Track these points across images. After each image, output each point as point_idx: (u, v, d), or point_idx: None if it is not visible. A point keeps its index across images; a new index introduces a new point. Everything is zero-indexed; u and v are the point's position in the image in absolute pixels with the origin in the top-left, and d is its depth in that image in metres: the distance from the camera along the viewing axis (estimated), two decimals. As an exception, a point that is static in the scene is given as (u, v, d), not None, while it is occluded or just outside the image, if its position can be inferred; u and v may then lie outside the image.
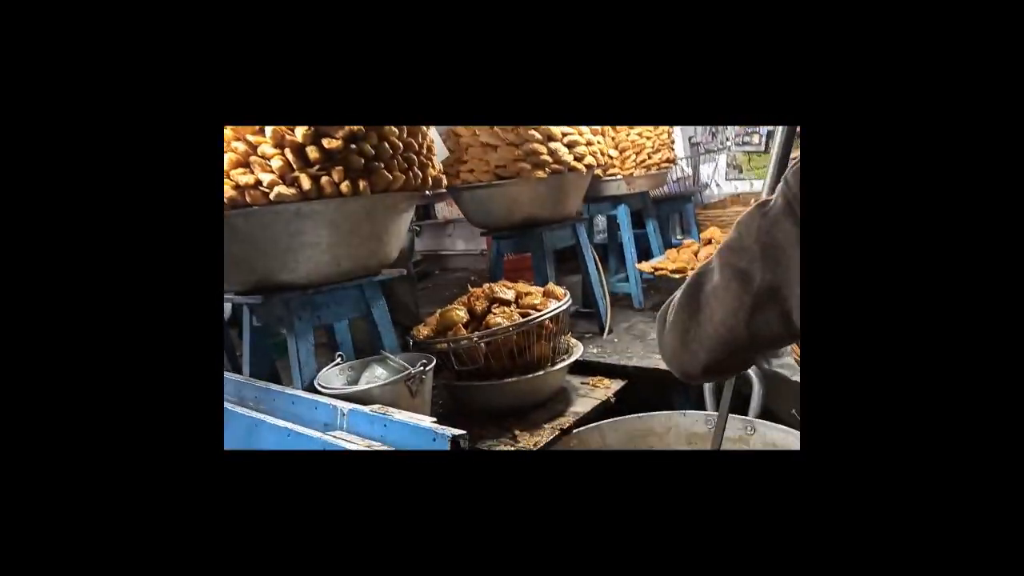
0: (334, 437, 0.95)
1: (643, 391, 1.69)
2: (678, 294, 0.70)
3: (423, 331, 1.59)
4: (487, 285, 1.63)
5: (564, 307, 1.53)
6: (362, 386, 1.17)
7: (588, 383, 1.68)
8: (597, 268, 2.25)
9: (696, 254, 2.28)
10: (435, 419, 0.95)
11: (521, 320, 1.46)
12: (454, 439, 0.86)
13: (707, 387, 1.43)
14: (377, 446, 0.92)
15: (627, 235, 2.55)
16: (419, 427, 0.92)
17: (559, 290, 1.64)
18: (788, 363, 1.47)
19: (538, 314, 1.47)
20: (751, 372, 1.37)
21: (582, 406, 1.53)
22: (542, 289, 1.66)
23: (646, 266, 2.36)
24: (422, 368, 1.19)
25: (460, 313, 1.53)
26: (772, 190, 0.76)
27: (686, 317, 0.66)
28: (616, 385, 1.64)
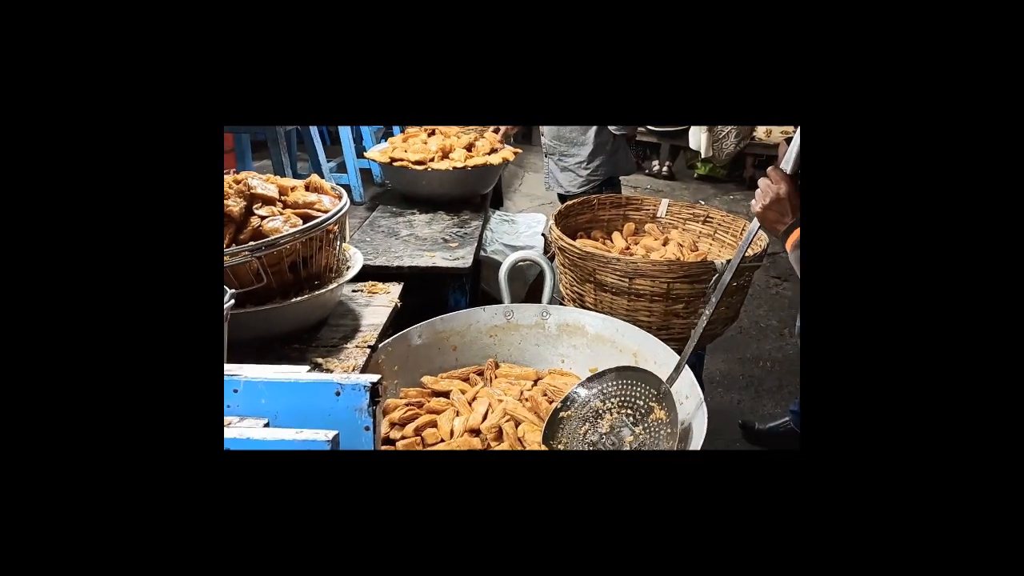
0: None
1: (420, 290, 1.61)
2: None
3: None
4: (231, 178, 1.22)
5: (347, 207, 1.28)
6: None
7: (361, 290, 1.49)
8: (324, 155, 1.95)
9: (426, 141, 2.20)
10: (309, 367, 0.70)
11: (305, 225, 1.16)
12: (373, 387, 0.66)
13: (502, 278, 1.46)
14: (236, 423, 0.63)
15: (341, 117, 2.25)
16: (301, 384, 0.66)
17: (326, 184, 1.36)
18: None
19: (325, 216, 1.19)
20: (542, 262, 1.45)
21: (373, 317, 1.36)
22: (301, 183, 1.34)
23: (379, 155, 2.16)
24: (232, 302, 0.83)
25: (207, 218, 1.11)
26: None
27: None
28: (394, 288, 1.51)
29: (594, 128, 2.23)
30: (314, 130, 2.21)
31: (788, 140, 1.09)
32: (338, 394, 0.66)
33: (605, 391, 1.17)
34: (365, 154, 2.20)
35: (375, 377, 0.67)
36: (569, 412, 1.16)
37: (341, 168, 2.42)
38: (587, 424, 1.14)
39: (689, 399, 1.10)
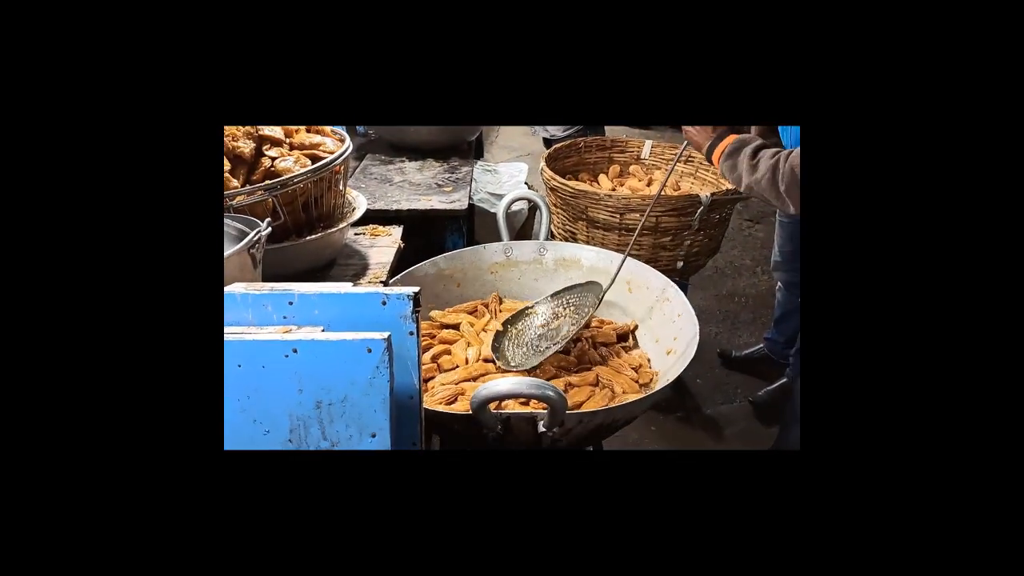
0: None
1: (418, 235, 1.67)
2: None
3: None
4: (235, 122, 1.25)
5: (351, 148, 1.33)
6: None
7: (364, 233, 1.55)
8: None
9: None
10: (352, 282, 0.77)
11: (315, 165, 1.20)
12: (415, 296, 0.73)
13: (500, 216, 1.52)
14: (296, 331, 0.71)
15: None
16: (350, 295, 0.73)
17: (326, 127, 1.39)
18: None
19: (334, 156, 1.24)
20: (538, 200, 1.52)
21: (380, 256, 1.42)
22: (302, 126, 1.37)
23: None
24: (269, 229, 0.89)
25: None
26: None
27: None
28: (395, 231, 1.57)
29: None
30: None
31: None
32: (384, 303, 0.73)
33: (567, 300, 1.36)
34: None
35: (416, 288, 0.75)
36: (534, 310, 1.35)
37: (324, 119, 2.41)
38: (543, 319, 1.33)
39: (682, 316, 1.21)
